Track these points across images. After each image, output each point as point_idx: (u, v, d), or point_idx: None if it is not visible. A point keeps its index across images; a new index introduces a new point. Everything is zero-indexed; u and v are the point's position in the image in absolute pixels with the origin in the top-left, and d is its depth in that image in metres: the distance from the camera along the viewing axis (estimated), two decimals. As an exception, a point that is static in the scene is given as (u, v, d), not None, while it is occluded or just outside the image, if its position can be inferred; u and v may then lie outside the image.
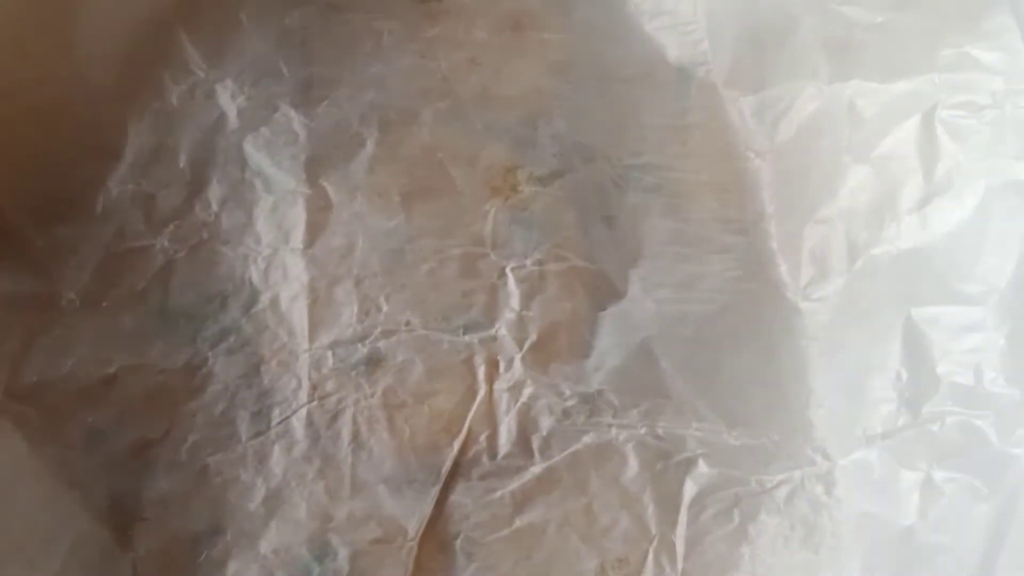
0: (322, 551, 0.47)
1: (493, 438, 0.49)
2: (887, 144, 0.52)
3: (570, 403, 0.50)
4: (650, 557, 0.48)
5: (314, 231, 0.51)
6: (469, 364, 0.50)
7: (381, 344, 0.50)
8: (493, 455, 0.49)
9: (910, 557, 0.45)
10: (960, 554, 0.44)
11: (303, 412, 0.49)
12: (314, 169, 0.53)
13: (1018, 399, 0.45)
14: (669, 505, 0.49)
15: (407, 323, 0.50)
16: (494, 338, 0.50)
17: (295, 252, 0.51)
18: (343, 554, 0.47)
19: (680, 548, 0.48)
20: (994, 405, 0.46)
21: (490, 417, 0.49)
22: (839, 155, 0.53)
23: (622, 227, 0.54)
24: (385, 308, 0.50)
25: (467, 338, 0.50)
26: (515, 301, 0.51)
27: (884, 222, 0.51)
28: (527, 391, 0.50)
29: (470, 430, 0.49)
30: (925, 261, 0.49)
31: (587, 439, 0.49)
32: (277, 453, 0.48)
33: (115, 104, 0.52)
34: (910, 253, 0.50)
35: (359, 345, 0.50)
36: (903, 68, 0.51)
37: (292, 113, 0.53)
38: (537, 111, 0.55)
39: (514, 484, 0.49)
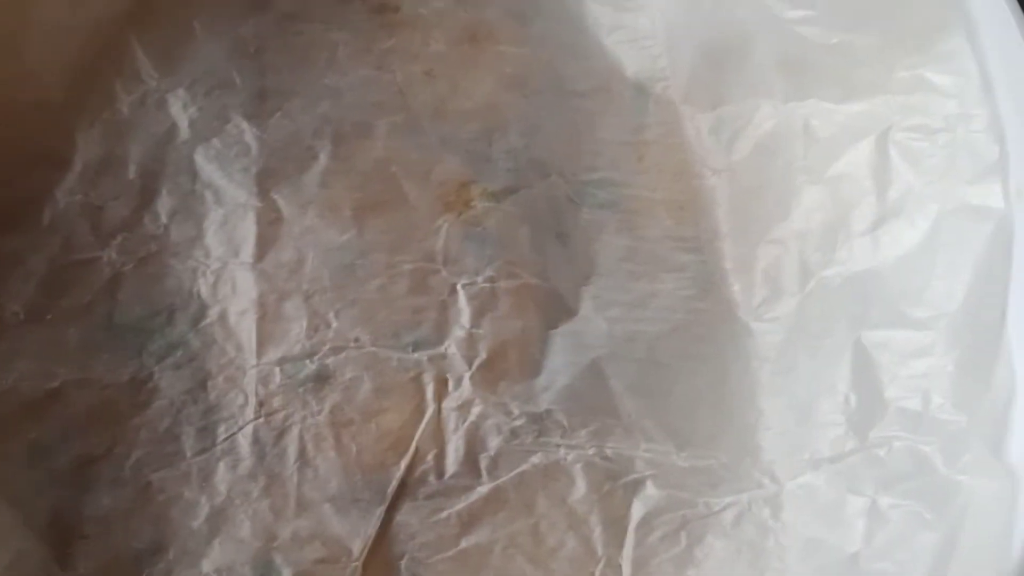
0: (265, 570, 0.46)
1: (440, 457, 0.49)
2: (841, 165, 0.51)
3: (518, 423, 0.49)
4: (596, 580, 0.48)
5: (264, 245, 0.51)
6: (418, 382, 0.49)
7: (330, 361, 0.49)
8: (440, 474, 0.49)
9: (855, 583, 0.45)
10: (904, 582, 0.44)
11: (249, 429, 0.48)
12: (265, 182, 0.52)
13: (964, 426, 0.45)
14: (616, 527, 0.48)
15: (356, 340, 0.50)
16: (443, 356, 0.50)
17: (244, 266, 0.50)
18: (287, 574, 0.46)
19: (627, 570, 0.48)
20: (941, 431, 0.45)
21: (438, 436, 0.49)
22: (794, 175, 0.52)
23: (575, 244, 0.53)
24: (335, 324, 0.50)
25: (416, 356, 0.50)
26: (465, 319, 0.50)
27: (837, 243, 0.51)
28: (476, 410, 0.49)
29: (417, 449, 0.49)
30: (876, 284, 0.49)
31: (535, 459, 0.49)
32: (222, 470, 0.47)
33: (64, 113, 0.51)
34: (862, 275, 0.50)
35: (307, 361, 0.49)
36: (858, 89, 0.51)
37: (244, 124, 0.52)
38: (492, 125, 0.54)
39: (461, 504, 0.48)
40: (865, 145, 0.50)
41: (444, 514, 0.48)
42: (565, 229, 0.53)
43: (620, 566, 0.48)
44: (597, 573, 0.48)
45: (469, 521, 0.48)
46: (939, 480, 0.45)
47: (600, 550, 0.48)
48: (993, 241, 0.46)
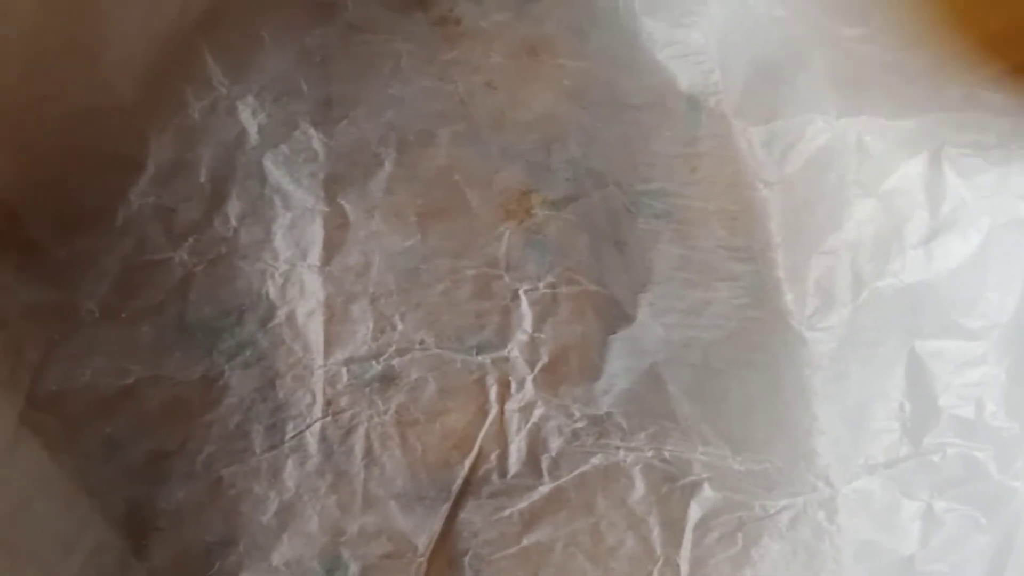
0: (333, 564, 0.47)
1: (503, 457, 0.49)
2: (894, 179, 0.52)
3: (579, 425, 0.50)
4: (655, 578, 0.48)
5: (331, 249, 0.51)
6: (481, 384, 0.50)
7: (395, 362, 0.50)
8: (503, 474, 0.49)
9: (910, 585, 0.46)
10: (960, 583, 0.44)
11: (317, 427, 0.49)
12: (332, 187, 0.52)
13: (1018, 433, 0.45)
14: (674, 527, 0.49)
15: (421, 342, 0.50)
16: (506, 359, 0.51)
17: (312, 269, 0.51)
18: (354, 568, 0.47)
19: (684, 569, 0.49)
20: (994, 438, 0.46)
21: (501, 437, 0.50)
22: (846, 188, 0.53)
23: (632, 252, 0.54)
24: (400, 326, 0.50)
25: (480, 358, 0.50)
26: (527, 323, 0.51)
27: (889, 255, 0.52)
28: (538, 412, 0.50)
29: (481, 449, 0.49)
30: (929, 295, 0.50)
31: (595, 460, 0.50)
32: (290, 467, 0.48)
33: (138, 117, 0.52)
34: (914, 287, 0.51)
35: (373, 362, 0.50)
36: (911, 106, 0.51)
37: (312, 131, 0.53)
38: (551, 136, 0.55)
39: (523, 503, 0.49)
40: (918, 160, 0.51)
41: (506, 512, 0.49)
42: (622, 237, 0.54)
43: (678, 565, 0.49)
44: (656, 572, 0.49)
45: (531, 520, 0.49)
46: (993, 485, 0.46)
47: (659, 550, 0.49)
48: None
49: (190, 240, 0.51)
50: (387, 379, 0.50)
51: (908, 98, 0.51)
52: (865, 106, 0.53)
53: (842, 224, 0.53)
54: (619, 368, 0.51)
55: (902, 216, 0.51)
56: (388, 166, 0.53)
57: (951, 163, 0.50)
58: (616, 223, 0.54)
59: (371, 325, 0.50)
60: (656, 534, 0.49)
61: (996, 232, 0.48)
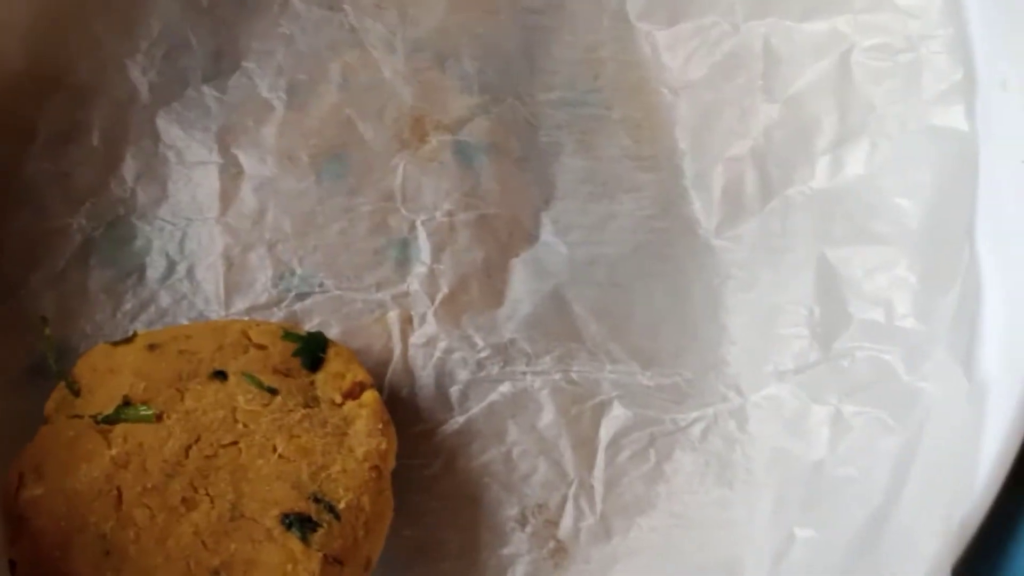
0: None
1: (414, 394, 0.48)
2: (801, 84, 0.49)
3: (484, 354, 0.49)
4: (569, 501, 0.48)
5: (227, 199, 0.50)
6: (383, 322, 0.49)
7: (297, 307, 0.49)
8: (416, 410, 0.48)
9: (820, 490, 0.44)
10: (867, 486, 0.43)
11: (223, 379, 0.48)
12: (225, 139, 0.51)
13: (927, 335, 0.43)
14: (586, 449, 0.48)
15: (321, 285, 0.49)
16: (406, 294, 0.49)
17: (209, 221, 0.50)
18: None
19: (599, 490, 0.48)
20: (903, 341, 0.44)
21: (408, 374, 0.48)
22: (753, 93, 0.51)
23: (533, 168, 0.52)
24: (299, 271, 0.50)
25: (380, 295, 0.49)
26: (425, 255, 0.50)
27: (798, 162, 0.49)
28: (441, 345, 0.49)
29: (390, 388, 0.48)
30: (838, 202, 0.48)
31: (503, 389, 0.49)
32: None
33: (26, 82, 0.51)
34: (824, 193, 0.48)
35: (275, 309, 0.49)
36: (819, 7, 0.49)
37: (204, 88, 0.52)
38: (444, 52, 0.53)
39: (435, 438, 0.48)
40: (826, 64, 0.49)
41: (420, 449, 0.48)
42: (523, 153, 0.52)
43: (592, 486, 0.48)
44: (570, 495, 0.48)
45: (444, 454, 0.48)
46: (901, 387, 0.44)
47: (572, 472, 0.48)
48: (955, 160, 0.44)
49: (87, 204, 0.50)
50: (290, 323, 0.49)
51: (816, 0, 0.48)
52: (772, 7, 0.50)
53: (749, 130, 0.51)
54: (522, 292, 0.50)
55: (810, 122, 0.49)
56: (280, 110, 0.51)
57: (860, 67, 0.48)
58: (516, 138, 0.52)
59: (270, 273, 0.49)
60: (568, 457, 0.48)
61: (906, 138, 0.46)
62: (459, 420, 0.48)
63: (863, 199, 0.47)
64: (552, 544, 0.47)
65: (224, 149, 0.51)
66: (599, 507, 0.47)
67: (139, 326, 0.49)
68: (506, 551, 0.47)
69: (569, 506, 0.47)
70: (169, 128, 0.51)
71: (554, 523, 0.47)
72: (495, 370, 0.49)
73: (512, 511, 0.47)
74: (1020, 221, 0.43)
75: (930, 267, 0.44)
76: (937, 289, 0.44)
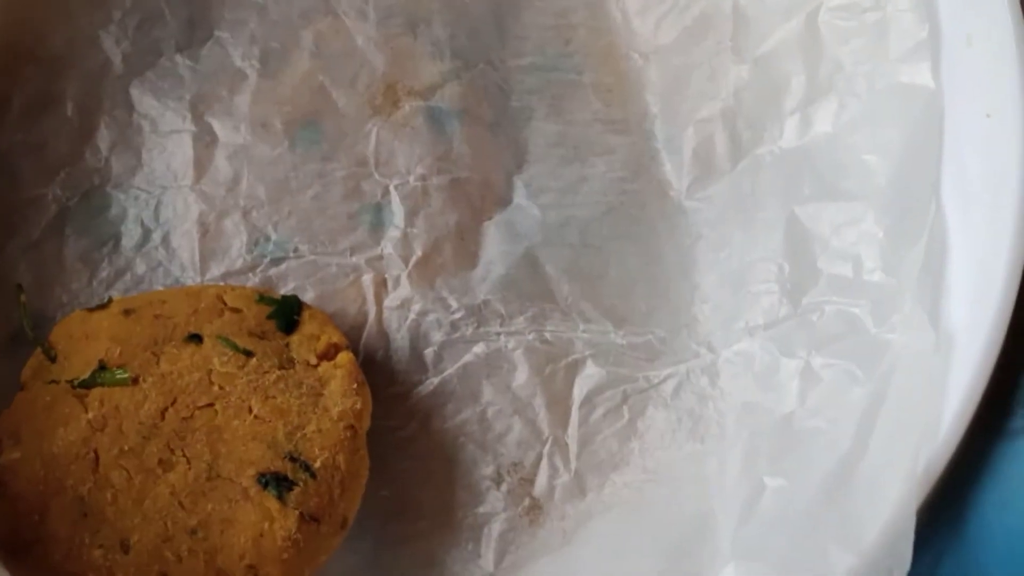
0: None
1: (389, 356, 0.48)
2: (770, 44, 0.50)
3: (457, 316, 0.49)
4: (544, 459, 0.48)
5: (201, 167, 0.50)
6: (357, 285, 0.49)
7: (272, 272, 0.49)
8: (392, 371, 0.48)
9: (789, 441, 0.44)
10: (836, 436, 0.43)
11: (202, 344, 0.48)
12: (199, 107, 0.51)
13: (895, 288, 0.44)
14: (560, 407, 0.48)
15: (295, 250, 0.50)
16: (380, 257, 0.49)
17: (184, 189, 0.50)
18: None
19: (573, 448, 0.48)
20: (871, 294, 0.45)
21: (382, 336, 0.49)
22: (722, 55, 0.51)
23: (505, 133, 0.52)
24: (273, 236, 0.50)
25: (354, 259, 0.49)
26: (399, 219, 0.50)
27: (767, 122, 0.50)
28: (415, 307, 0.49)
29: (365, 351, 0.48)
30: (807, 160, 0.48)
31: (477, 349, 0.49)
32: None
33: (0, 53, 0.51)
34: (793, 152, 0.49)
35: (250, 275, 0.49)
36: (788, -32, 0.49)
37: (177, 57, 0.52)
38: (416, 18, 0.53)
39: (410, 399, 0.48)
40: (794, 24, 0.49)
41: (396, 410, 0.48)
42: (494, 119, 0.52)
43: (567, 444, 0.48)
44: (544, 453, 0.48)
45: (419, 415, 0.48)
46: (869, 339, 0.44)
47: (546, 431, 0.48)
48: (922, 116, 0.45)
49: (62, 174, 0.50)
50: (265, 288, 0.49)
51: (782, -41, 0.48)
52: (741, -30, 0.50)
53: (719, 92, 0.51)
54: (495, 254, 0.50)
55: (779, 82, 0.49)
56: (253, 78, 0.51)
57: (827, 27, 0.48)
58: (488, 103, 0.52)
59: (245, 238, 0.50)
60: (542, 416, 0.48)
61: (873, 96, 0.46)
62: (434, 381, 0.48)
63: (832, 157, 0.47)
64: (527, 502, 0.47)
65: (198, 118, 0.51)
66: (573, 464, 0.48)
67: (115, 293, 0.49)
68: (482, 509, 0.47)
69: (544, 464, 0.48)
70: (143, 98, 0.51)
71: (529, 481, 0.48)
72: (469, 331, 0.49)
73: (487, 470, 0.48)
74: (984, 174, 0.43)
75: (897, 222, 0.45)
76: (904, 243, 0.44)
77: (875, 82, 0.47)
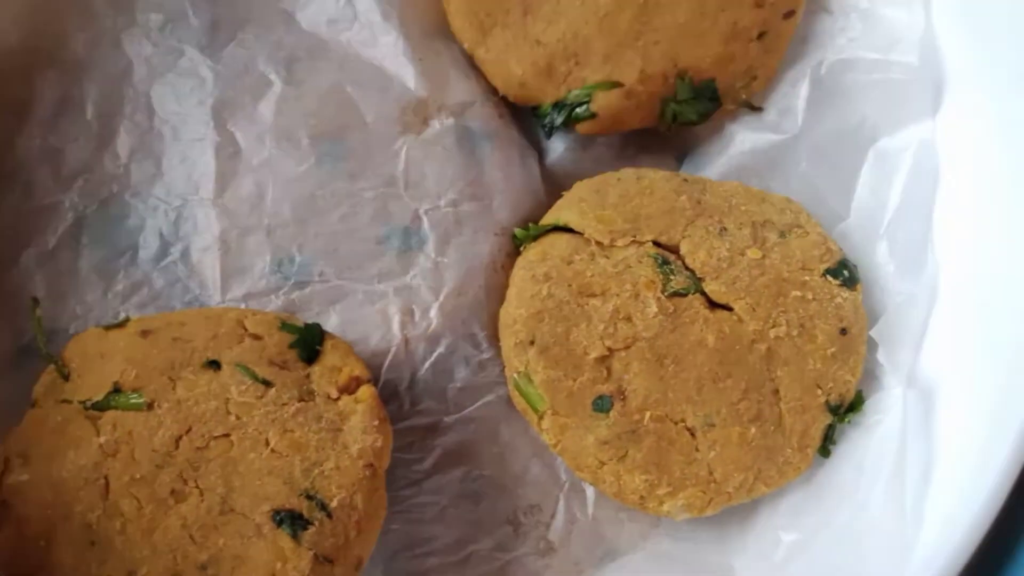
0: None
1: (410, 388, 0.47)
2: None
3: (486, 356, 0.47)
4: (561, 503, 0.47)
5: (223, 180, 0.48)
6: (384, 314, 0.47)
7: (295, 296, 0.47)
8: (412, 404, 0.47)
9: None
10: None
11: (217, 365, 0.46)
12: (221, 114, 0.49)
13: None
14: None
15: (320, 274, 0.48)
16: (408, 287, 0.47)
17: (205, 202, 0.48)
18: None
19: (590, 494, 0.47)
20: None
21: (406, 368, 0.47)
22: None
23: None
24: (298, 258, 0.48)
25: (381, 287, 0.47)
26: (430, 247, 0.48)
27: None
28: (444, 342, 0.47)
29: (386, 381, 0.47)
30: None
31: (500, 391, 0.47)
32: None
33: (20, 57, 0.48)
34: None
35: (272, 297, 0.47)
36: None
37: (198, 56, 0.49)
38: (447, 27, 0.50)
39: (429, 434, 0.47)
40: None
41: (414, 443, 0.47)
42: (532, 139, 0.50)
43: (584, 490, 0.47)
44: (562, 497, 0.47)
45: (437, 450, 0.47)
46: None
47: (564, 475, 0.47)
48: None
49: (79, 181, 0.48)
50: (287, 314, 0.47)
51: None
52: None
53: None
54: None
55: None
56: (278, 85, 0.49)
57: None
58: (524, 125, 0.50)
59: (268, 258, 0.47)
60: (561, 460, 0.46)
61: None
62: (454, 417, 0.47)
63: None
64: (542, 544, 0.46)
65: (221, 126, 0.48)
66: (591, 510, 0.47)
67: (131, 308, 0.47)
68: (495, 549, 0.46)
69: (560, 507, 0.47)
70: (164, 102, 0.49)
71: (545, 524, 0.47)
72: (495, 372, 0.47)
73: (504, 510, 0.47)
74: None
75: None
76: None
77: None
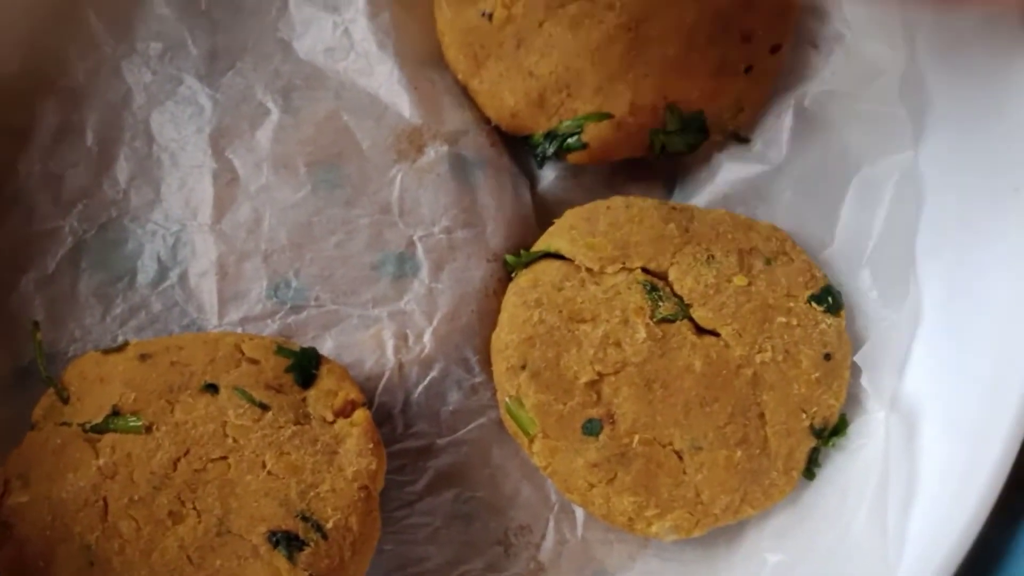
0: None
1: (404, 411, 0.48)
2: None
3: (478, 380, 0.48)
4: (551, 524, 0.47)
5: (221, 206, 0.49)
6: (378, 339, 0.48)
7: (291, 320, 0.48)
8: (406, 427, 0.48)
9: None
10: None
11: (214, 389, 0.47)
12: (219, 142, 0.49)
13: None
14: (569, 474, 0.47)
15: (316, 299, 0.48)
16: (403, 312, 0.48)
17: (203, 228, 0.49)
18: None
19: (579, 515, 0.47)
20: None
21: (399, 391, 0.48)
22: None
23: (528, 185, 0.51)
24: (294, 284, 0.48)
25: (376, 312, 0.48)
26: (424, 273, 0.48)
27: None
28: (437, 366, 0.48)
29: (380, 404, 0.47)
30: None
31: (492, 414, 0.48)
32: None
33: (21, 84, 0.49)
34: None
35: (269, 321, 0.48)
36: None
37: (197, 84, 0.50)
38: (442, 58, 0.51)
39: (421, 456, 0.48)
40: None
41: (406, 467, 0.47)
42: (524, 167, 0.51)
43: (574, 512, 0.48)
44: (551, 519, 0.47)
45: (429, 473, 0.47)
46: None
47: (554, 497, 0.48)
48: None
49: (79, 206, 0.49)
50: (283, 338, 0.48)
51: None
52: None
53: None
54: (520, 316, 0.49)
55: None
56: (275, 114, 0.50)
57: None
58: (516, 153, 0.51)
59: (265, 283, 0.48)
60: (551, 483, 0.47)
61: None
62: (446, 440, 0.48)
63: None
64: (532, 565, 0.47)
65: (218, 153, 0.49)
66: (580, 532, 0.47)
67: (129, 331, 0.47)
68: (487, 569, 0.47)
69: (551, 528, 0.47)
70: (163, 129, 0.50)
71: (536, 545, 0.47)
72: (487, 396, 0.48)
73: (495, 531, 0.47)
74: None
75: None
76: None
77: None
